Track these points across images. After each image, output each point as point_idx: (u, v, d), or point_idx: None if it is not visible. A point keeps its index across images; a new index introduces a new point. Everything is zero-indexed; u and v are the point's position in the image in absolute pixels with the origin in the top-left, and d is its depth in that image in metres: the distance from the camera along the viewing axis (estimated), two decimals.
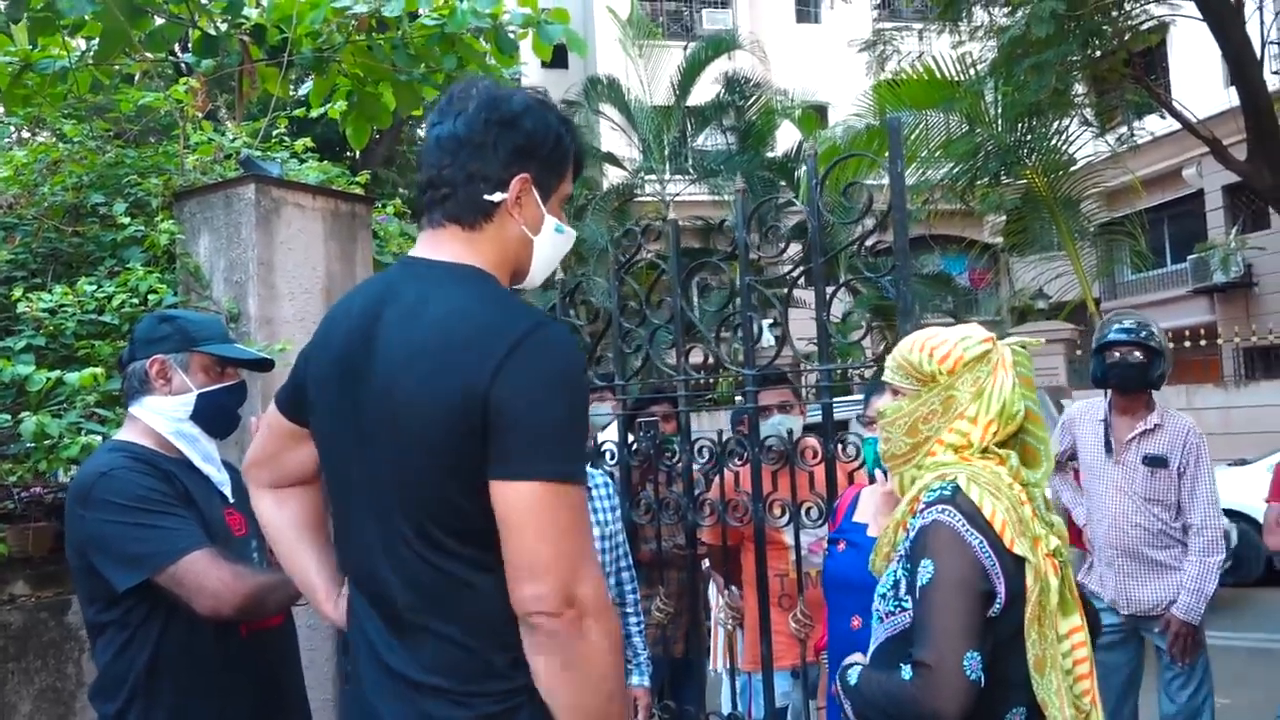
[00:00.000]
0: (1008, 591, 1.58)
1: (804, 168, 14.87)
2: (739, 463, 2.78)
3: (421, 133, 19.04)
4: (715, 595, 3.70)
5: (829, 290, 2.47)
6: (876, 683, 1.63)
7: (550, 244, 1.54)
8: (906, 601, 1.63)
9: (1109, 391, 3.69)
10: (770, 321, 12.71)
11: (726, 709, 3.17)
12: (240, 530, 2.13)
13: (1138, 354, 3.54)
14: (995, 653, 1.56)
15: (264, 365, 2.31)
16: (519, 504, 1.32)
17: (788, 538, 2.85)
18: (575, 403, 1.40)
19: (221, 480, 2.17)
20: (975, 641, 1.53)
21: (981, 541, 1.59)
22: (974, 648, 1.52)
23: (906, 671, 1.57)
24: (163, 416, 2.10)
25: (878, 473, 2.27)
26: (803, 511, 2.58)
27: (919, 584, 1.59)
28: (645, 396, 3.54)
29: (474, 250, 1.48)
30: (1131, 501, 3.56)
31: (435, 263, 1.48)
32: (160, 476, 1.99)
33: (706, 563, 3.64)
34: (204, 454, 2.14)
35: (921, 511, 1.66)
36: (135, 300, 3.13)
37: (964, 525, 1.60)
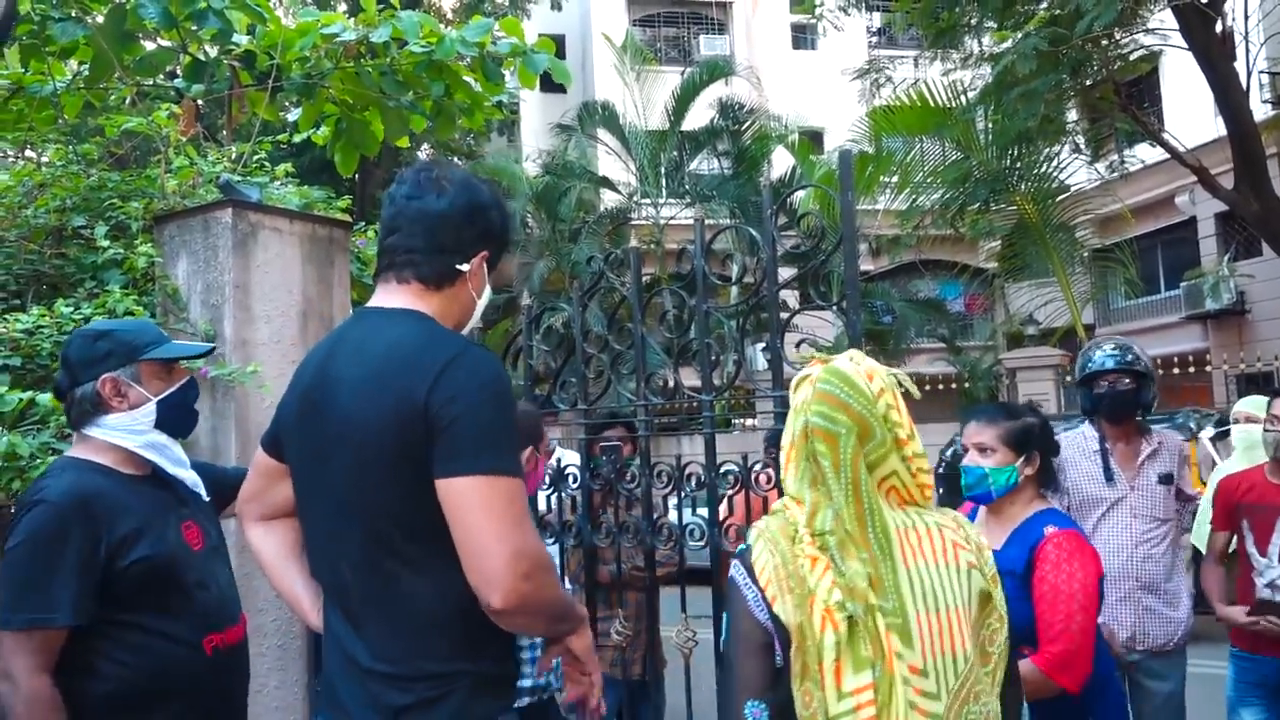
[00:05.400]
0: (782, 646, 1.57)
1: (799, 194, 15.01)
2: (767, 485, 2.75)
3: (423, 155, 19.14)
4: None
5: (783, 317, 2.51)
6: None
7: (482, 306, 1.83)
8: None
9: (1098, 421, 3.56)
10: (762, 345, 12.77)
11: None
12: (197, 544, 2.13)
13: (1126, 381, 3.45)
14: (788, 703, 1.56)
15: (208, 353, 2.33)
16: (459, 497, 1.53)
17: None
18: (502, 408, 1.60)
19: (195, 481, 2.18)
20: (755, 691, 1.57)
21: (757, 595, 1.59)
22: (754, 697, 1.57)
23: None
24: (126, 433, 2.09)
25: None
26: None
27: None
28: (601, 421, 3.58)
29: (425, 302, 1.73)
30: (1148, 525, 3.43)
31: (385, 309, 1.73)
32: (104, 516, 1.97)
33: None
34: (174, 459, 2.16)
35: None
36: None
37: (744, 579, 1.62)
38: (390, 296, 1.74)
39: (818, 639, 1.54)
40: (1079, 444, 3.57)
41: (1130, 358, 3.47)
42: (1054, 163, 12.43)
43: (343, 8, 14.30)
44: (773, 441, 4.04)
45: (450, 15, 17.09)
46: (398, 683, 1.58)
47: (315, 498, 1.71)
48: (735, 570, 1.64)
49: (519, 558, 1.51)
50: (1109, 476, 3.46)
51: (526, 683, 2.60)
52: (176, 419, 2.17)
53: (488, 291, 1.83)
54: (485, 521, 1.52)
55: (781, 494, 2.54)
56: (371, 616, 1.62)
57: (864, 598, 1.55)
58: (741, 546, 1.69)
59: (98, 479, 2.03)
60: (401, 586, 1.59)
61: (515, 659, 1.74)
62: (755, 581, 1.60)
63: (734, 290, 3.19)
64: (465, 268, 1.74)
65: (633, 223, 17.40)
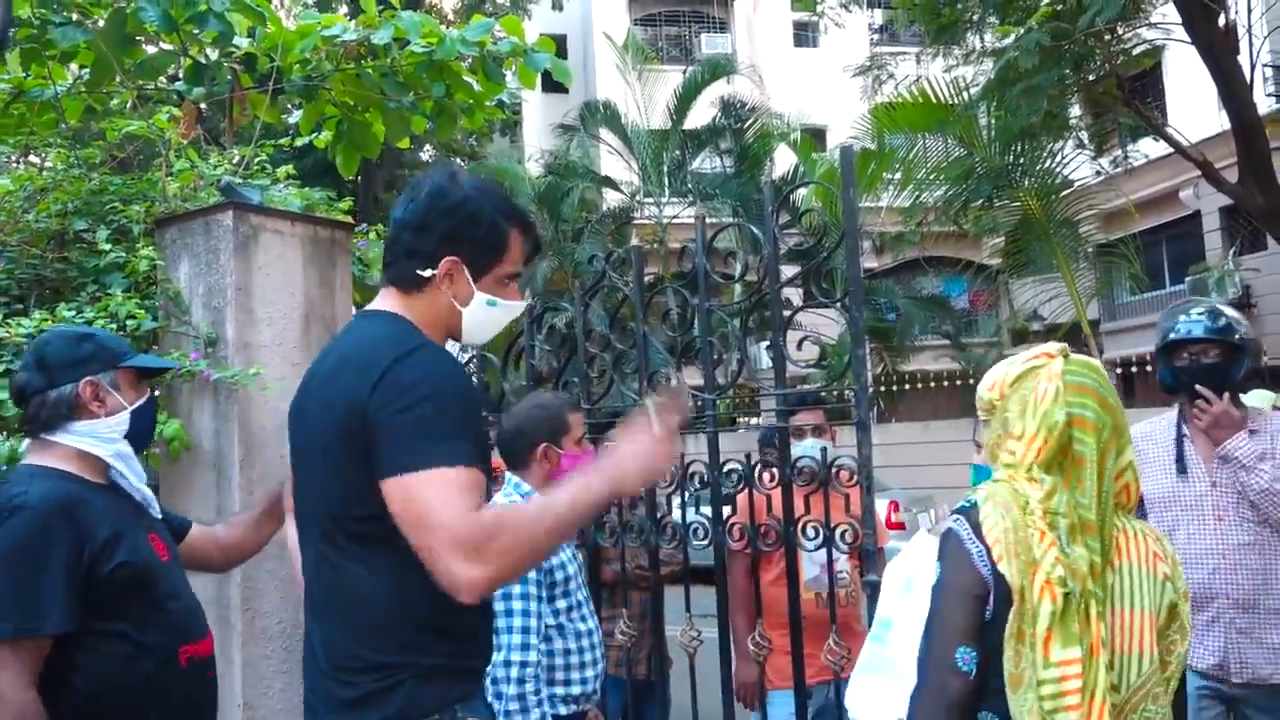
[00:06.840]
0: (996, 601, 1.66)
1: (802, 191, 15.00)
2: (770, 483, 2.77)
3: (425, 156, 19.09)
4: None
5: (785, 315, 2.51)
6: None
7: (485, 315, 1.76)
8: None
9: (1183, 402, 3.01)
10: (766, 344, 12.75)
11: None
12: (164, 555, 2.10)
13: (1214, 353, 2.89)
14: (990, 654, 1.66)
15: (167, 370, 2.36)
16: (399, 497, 1.51)
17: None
18: (441, 405, 1.55)
19: (149, 499, 2.15)
20: (967, 638, 1.66)
21: (981, 551, 1.68)
22: (965, 643, 1.65)
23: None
24: (100, 441, 2.03)
25: None
26: (837, 534, 2.64)
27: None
28: (604, 421, 3.57)
29: (405, 306, 1.75)
30: (1238, 531, 2.84)
31: (370, 312, 1.78)
32: (85, 522, 1.92)
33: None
34: (137, 472, 2.12)
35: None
36: (114, 326, 3.17)
37: (968, 534, 1.70)
38: (379, 300, 1.80)
39: (1034, 606, 1.63)
40: (1152, 434, 3.06)
41: (1222, 323, 2.91)
42: (1057, 158, 12.39)
43: (343, 9, 14.31)
44: (768, 442, 4.02)
45: (451, 15, 17.09)
46: (344, 675, 1.62)
47: (296, 498, 1.79)
48: (956, 525, 1.73)
49: (456, 545, 1.46)
50: (1181, 468, 2.91)
51: (575, 690, 2.60)
52: (142, 432, 2.14)
53: (480, 300, 1.74)
54: (420, 519, 1.48)
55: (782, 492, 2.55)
56: (325, 614, 1.68)
57: (1084, 581, 1.65)
58: (963, 503, 1.77)
59: (71, 485, 1.99)
60: (345, 586, 1.63)
61: (481, 652, 1.74)
62: (981, 539, 1.68)
63: (736, 288, 3.20)
64: (428, 273, 1.71)
65: (635, 222, 17.39)
